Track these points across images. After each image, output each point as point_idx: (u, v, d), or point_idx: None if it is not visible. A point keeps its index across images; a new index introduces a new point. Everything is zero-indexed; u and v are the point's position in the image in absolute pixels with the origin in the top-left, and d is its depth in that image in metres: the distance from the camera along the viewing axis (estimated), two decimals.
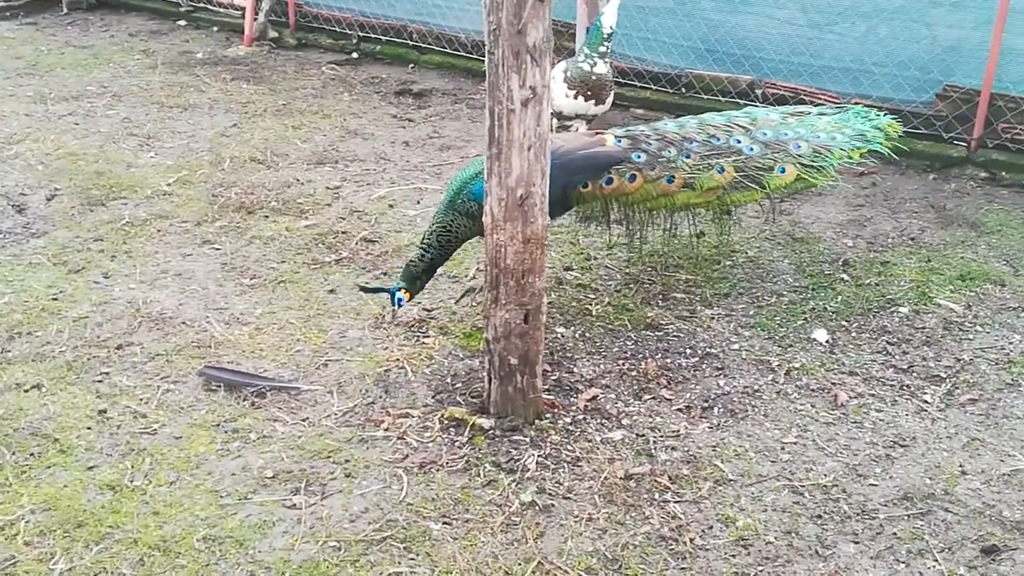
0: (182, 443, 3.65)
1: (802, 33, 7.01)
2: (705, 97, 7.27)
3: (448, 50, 8.40)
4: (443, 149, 6.63)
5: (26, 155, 6.26)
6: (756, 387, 4.11)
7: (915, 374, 4.22)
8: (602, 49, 5.91)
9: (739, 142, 4.64)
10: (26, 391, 3.92)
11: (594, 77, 5.88)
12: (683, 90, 7.46)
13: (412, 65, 8.53)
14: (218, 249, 5.17)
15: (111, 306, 4.57)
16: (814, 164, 4.66)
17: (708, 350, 4.37)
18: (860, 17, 6.83)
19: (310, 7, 9.32)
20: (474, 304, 4.46)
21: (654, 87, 7.53)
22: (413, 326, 4.50)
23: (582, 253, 5.22)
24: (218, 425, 3.76)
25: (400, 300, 4.19)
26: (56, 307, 4.54)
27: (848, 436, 3.80)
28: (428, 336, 4.42)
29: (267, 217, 5.54)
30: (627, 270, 5.07)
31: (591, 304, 4.72)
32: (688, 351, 4.37)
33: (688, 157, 4.55)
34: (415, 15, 8.66)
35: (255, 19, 9.14)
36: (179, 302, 4.63)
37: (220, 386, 3.97)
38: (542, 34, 3.34)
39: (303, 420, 3.81)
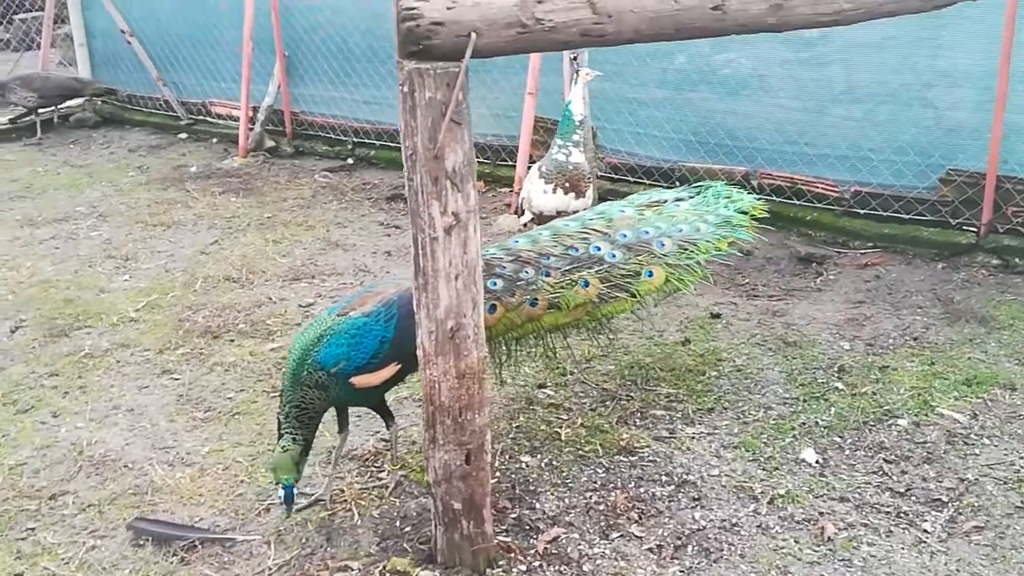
0: None
1: (795, 119, 6.76)
2: None
3: None
4: None
5: None
6: (735, 520, 3.72)
7: (913, 498, 3.80)
8: (575, 138, 5.69)
9: (599, 249, 4.26)
10: None
11: (571, 167, 5.66)
12: (677, 184, 7.20)
13: None
14: (177, 379, 4.94)
15: (53, 450, 4.34)
16: (681, 263, 4.34)
17: (685, 476, 4.00)
18: (854, 102, 6.57)
19: (306, 115, 9.33)
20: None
21: (648, 181, 7.30)
22: (368, 459, 4.21)
23: (557, 368, 4.91)
24: None
25: (292, 493, 3.61)
26: None
27: None
28: (383, 471, 4.11)
29: (232, 341, 5.32)
30: (605, 385, 4.75)
31: (562, 427, 4.39)
32: (664, 478, 4.00)
33: (548, 275, 4.14)
34: None
35: (250, 129, 9.14)
36: (125, 442, 4.39)
37: (149, 540, 3.68)
38: (462, 158, 3.10)
39: None
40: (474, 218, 3.19)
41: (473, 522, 3.42)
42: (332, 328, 3.64)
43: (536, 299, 4.13)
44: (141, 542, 3.68)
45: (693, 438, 4.27)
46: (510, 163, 7.72)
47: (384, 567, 3.49)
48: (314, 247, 6.68)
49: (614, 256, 4.27)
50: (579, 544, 3.63)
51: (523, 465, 4.12)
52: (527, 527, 3.73)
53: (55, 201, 7.87)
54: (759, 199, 4.75)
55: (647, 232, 4.37)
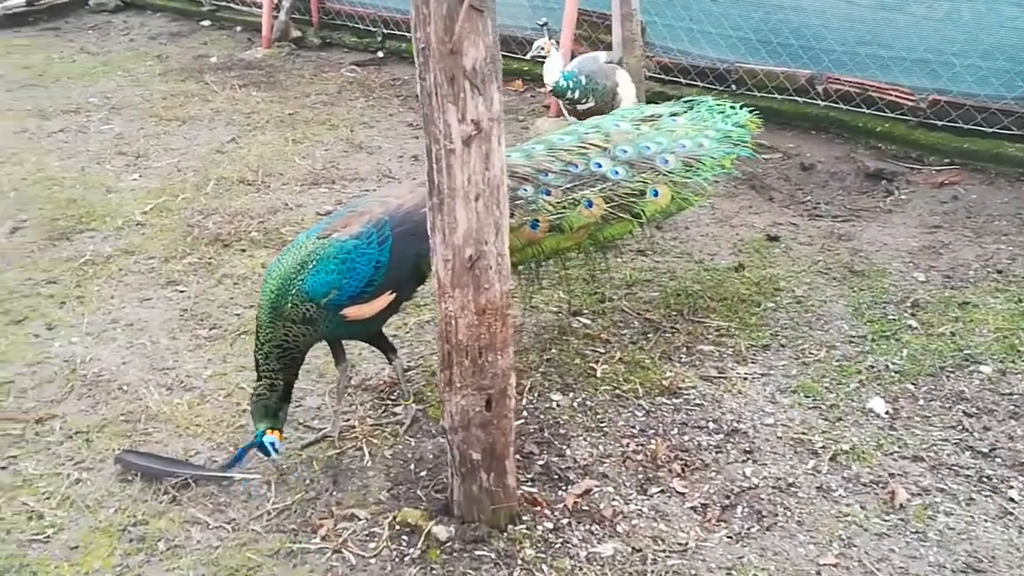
0: (76, 556, 3.03)
1: (870, 17, 6.05)
2: (758, 95, 6.38)
3: None
4: None
5: (1, 180, 5.76)
6: (792, 478, 3.29)
7: (998, 460, 3.34)
8: (569, 95, 5.20)
9: (600, 166, 3.82)
10: None
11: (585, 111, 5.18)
12: (734, 87, 6.58)
13: None
14: (182, 291, 4.56)
15: (44, 367, 3.99)
16: (687, 180, 3.94)
17: (736, 424, 3.56)
18: None
19: (333, 3, 8.70)
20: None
21: (701, 84, 6.66)
22: (382, 391, 3.81)
23: (595, 293, 4.45)
24: (124, 530, 3.12)
25: (273, 444, 3.23)
26: None
27: (906, 554, 2.96)
28: (398, 405, 3.72)
29: (244, 251, 4.91)
30: (648, 314, 4.28)
31: (598, 362, 3.94)
32: (711, 425, 3.57)
33: (548, 194, 3.71)
34: None
35: (274, 17, 8.54)
36: (122, 360, 4.03)
37: (138, 475, 3.34)
38: (484, 54, 2.59)
39: (227, 523, 3.15)
40: (498, 127, 2.69)
41: (494, 474, 3.02)
42: (317, 253, 3.17)
43: (537, 220, 3.71)
44: (129, 477, 3.34)
45: (745, 379, 3.81)
46: None
47: (394, 518, 3.12)
48: (336, 148, 6.19)
49: (617, 173, 3.84)
50: (613, 499, 3.23)
51: (553, 404, 3.70)
52: (555, 477, 3.33)
53: (68, 91, 7.41)
54: (754, 111, 4.30)
55: (648, 148, 3.94)
